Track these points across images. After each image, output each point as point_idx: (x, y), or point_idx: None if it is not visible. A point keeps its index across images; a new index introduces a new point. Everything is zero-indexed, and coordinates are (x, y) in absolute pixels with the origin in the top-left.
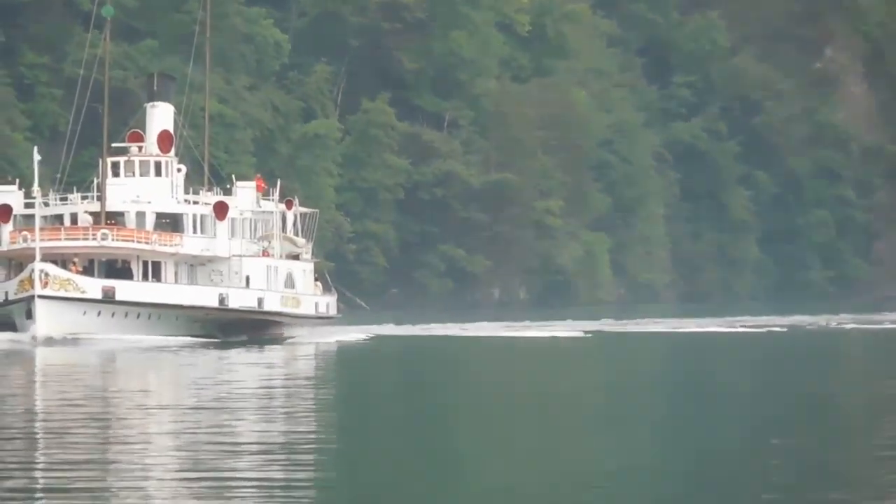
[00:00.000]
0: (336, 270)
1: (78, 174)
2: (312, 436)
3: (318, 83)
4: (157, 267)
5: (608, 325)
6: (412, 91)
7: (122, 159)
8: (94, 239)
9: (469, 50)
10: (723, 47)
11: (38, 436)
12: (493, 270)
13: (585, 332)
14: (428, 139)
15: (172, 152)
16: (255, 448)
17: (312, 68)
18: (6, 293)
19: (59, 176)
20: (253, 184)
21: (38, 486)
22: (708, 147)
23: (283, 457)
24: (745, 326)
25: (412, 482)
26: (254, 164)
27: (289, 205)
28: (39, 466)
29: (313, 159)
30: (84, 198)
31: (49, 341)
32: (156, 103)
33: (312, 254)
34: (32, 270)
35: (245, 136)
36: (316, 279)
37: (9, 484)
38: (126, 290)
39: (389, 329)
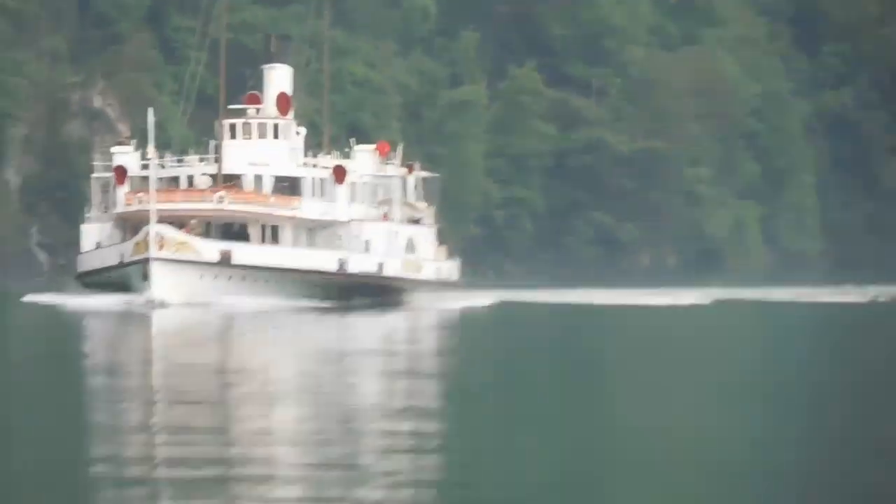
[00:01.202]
0: (484, 236)
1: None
2: (433, 402)
3: (465, 49)
4: (275, 230)
5: (744, 293)
6: (560, 58)
7: (239, 121)
8: (210, 201)
9: (617, 17)
10: (873, 16)
11: (157, 400)
12: (642, 238)
13: (711, 301)
14: (576, 106)
15: (291, 115)
16: (376, 413)
17: (460, 34)
18: (122, 255)
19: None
20: (372, 147)
21: (158, 454)
22: (858, 117)
23: (406, 424)
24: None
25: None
26: (401, 130)
27: (410, 169)
28: (160, 432)
29: (461, 126)
30: (202, 160)
31: (164, 304)
32: (273, 65)
33: (434, 219)
34: (148, 232)
35: (393, 102)
36: (440, 244)
37: (130, 452)
38: (243, 253)
39: (514, 295)
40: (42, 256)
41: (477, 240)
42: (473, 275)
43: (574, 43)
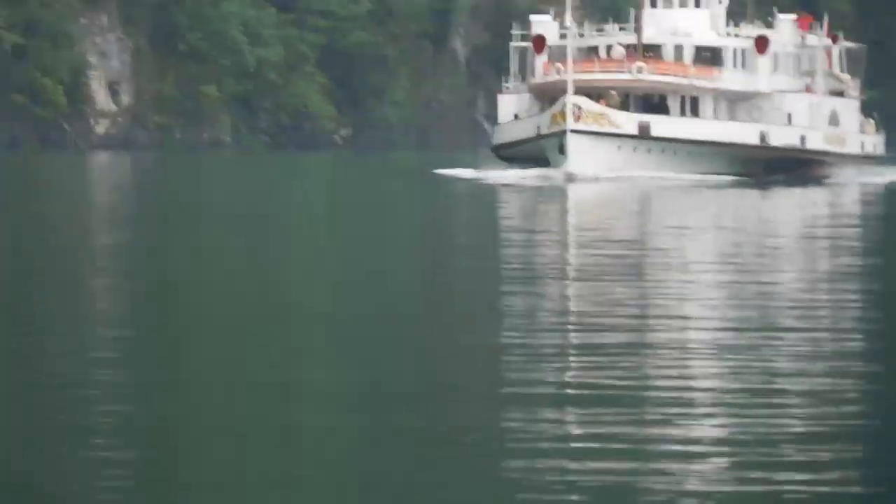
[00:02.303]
0: None
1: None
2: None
3: None
4: (694, 102)
5: None
6: None
7: None
8: (629, 72)
9: None
10: None
11: (569, 277)
12: None
13: None
14: None
15: None
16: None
17: None
18: (538, 127)
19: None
20: (793, 16)
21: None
22: None
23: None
24: None
25: None
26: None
27: (834, 39)
28: (572, 312)
29: None
30: (621, 29)
31: (581, 177)
32: None
33: (861, 90)
34: (565, 104)
35: None
36: (867, 117)
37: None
38: (662, 125)
39: None
40: (488, 128)
41: None
42: None
43: None
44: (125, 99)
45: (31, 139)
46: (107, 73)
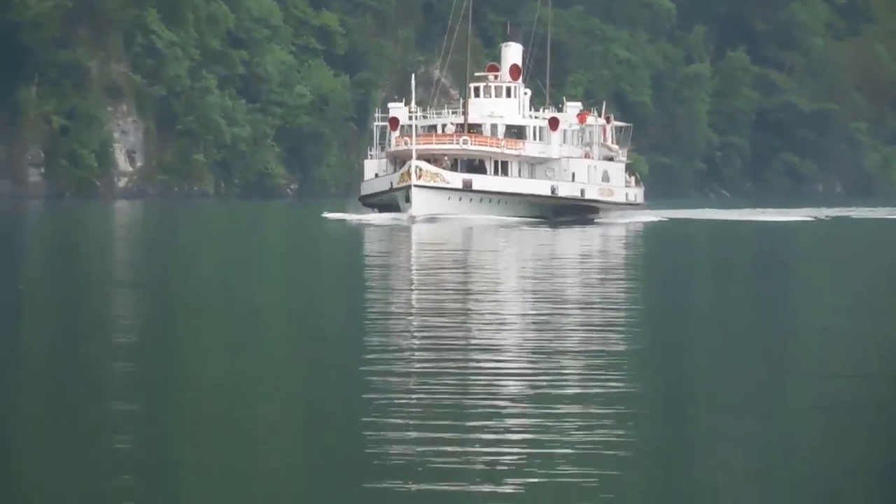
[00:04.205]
0: (707, 171)
1: None
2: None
3: (696, 39)
4: (504, 165)
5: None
6: (762, 45)
7: (481, 85)
8: (457, 143)
9: (802, 15)
10: None
11: (415, 285)
12: (818, 172)
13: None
14: (773, 79)
15: (520, 80)
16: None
17: (693, 28)
18: (391, 183)
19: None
20: (579, 104)
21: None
22: None
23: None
24: None
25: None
26: (650, 95)
27: (608, 120)
28: (413, 312)
29: (692, 92)
30: (453, 112)
31: (422, 219)
32: (509, 44)
33: (628, 157)
34: (410, 166)
35: (644, 75)
36: (631, 175)
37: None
38: (481, 182)
39: (683, 213)
40: None
41: (702, 174)
42: (701, 199)
43: (772, 34)
44: (139, 163)
45: (72, 191)
46: (125, 145)
